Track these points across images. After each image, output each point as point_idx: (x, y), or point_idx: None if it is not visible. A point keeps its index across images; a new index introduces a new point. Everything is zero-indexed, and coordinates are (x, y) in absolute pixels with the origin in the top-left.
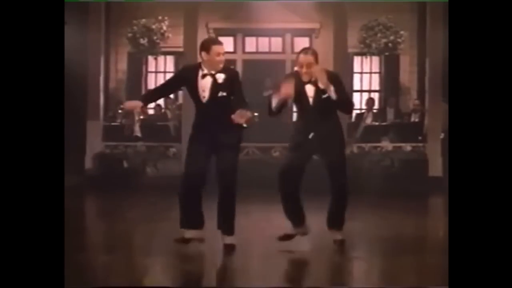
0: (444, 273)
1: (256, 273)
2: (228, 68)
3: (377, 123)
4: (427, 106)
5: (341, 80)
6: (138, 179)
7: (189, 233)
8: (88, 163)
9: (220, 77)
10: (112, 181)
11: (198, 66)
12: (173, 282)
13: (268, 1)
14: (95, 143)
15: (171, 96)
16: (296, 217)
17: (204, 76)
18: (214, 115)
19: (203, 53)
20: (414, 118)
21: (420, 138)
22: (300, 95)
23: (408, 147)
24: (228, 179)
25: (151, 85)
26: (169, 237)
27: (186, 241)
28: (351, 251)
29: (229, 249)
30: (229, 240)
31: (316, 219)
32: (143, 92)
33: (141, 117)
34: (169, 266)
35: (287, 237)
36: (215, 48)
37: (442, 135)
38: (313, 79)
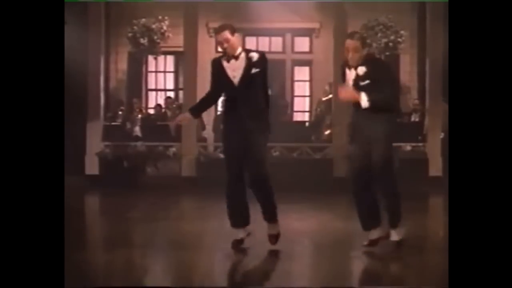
0: (444, 273)
1: (255, 272)
2: (253, 51)
3: None
4: (427, 106)
5: (388, 69)
6: (138, 179)
7: (241, 233)
8: (88, 163)
9: (254, 56)
10: (112, 181)
11: (222, 55)
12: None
13: (268, 1)
14: (95, 143)
15: (171, 96)
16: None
17: (229, 59)
18: (246, 96)
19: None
20: (414, 118)
21: (420, 138)
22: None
23: (408, 146)
24: (261, 166)
25: (151, 85)
26: (169, 237)
27: (240, 241)
28: (350, 250)
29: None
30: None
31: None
32: (143, 91)
33: (140, 116)
34: (169, 266)
35: None
36: (216, 37)
37: (442, 135)
38: (355, 65)
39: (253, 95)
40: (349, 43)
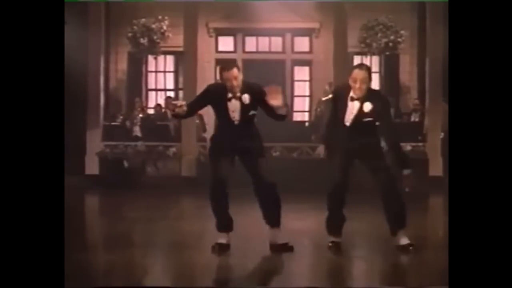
0: (443, 273)
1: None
2: (251, 86)
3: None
4: (427, 105)
5: (389, 107)
6: (138, 178)
7: (223, 237)
8: (88, 163)
9: (246, 99)
10: (112, 181)
11: (223, 88)
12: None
13: (268, 1)
14: (95, 143)
15: (171, 95)
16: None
17: (230, 99)
18: (244, 133)
19: (220, 78)
20: (414, 118)
21: (420, 137)
22: (342, 110)
23: (408, 146)
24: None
25: (151, 85)
26: (169, 236)
27: (223, 247)
28: (351, 251)
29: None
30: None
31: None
32: (143, 91)
33: (140, 115)
34: (169, 266)
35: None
36: (225, 75)
37: (442, 135)
38: (361, 97)
39: (251, 129)
40: (359, 73)
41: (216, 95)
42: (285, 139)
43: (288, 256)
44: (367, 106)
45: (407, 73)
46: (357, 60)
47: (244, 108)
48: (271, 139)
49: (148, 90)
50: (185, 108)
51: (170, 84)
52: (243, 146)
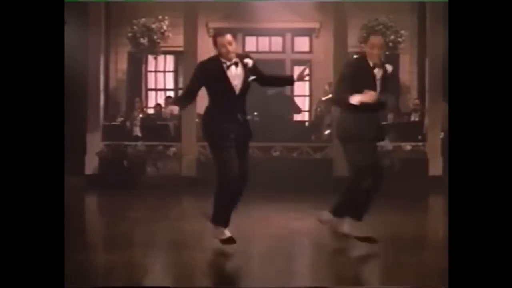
0: (443, 273)
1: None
2: (244, 54)
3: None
4: (427, 105)
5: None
6: (138, 178)
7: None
8: (88, 163)
9: (249, 62)
10: (112, 180)
11: (217, 59)
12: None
13: (268, 1)
14: (95, 142)
15: (171, 95)
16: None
17: (228, 67)
18: (244, 103)
19: (214, 48)
20: (414, 118)
21: (420, 137)
22: (368, 80)
23: (408, 146)
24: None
25: (151, 85)
26: (169, 236)
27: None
28: (350, 250)
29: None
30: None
31: None
32: (143, 91)
33: (140, 115)
34: (169, 266)
35: None
36: (220, 40)
37: (442, 135)
38: (379, 62)
39: (245, 101)
40: (377, 40)
41: (212, 68)
42: (285, 139)
43: (288, 255)
44: (389, 67)
45: (407, 73)
46: None
47: (246, 73)
48: (271, 139)
49: (148, 90)
50: (176, 112)
51: (170, 84)
52: (236, 125)
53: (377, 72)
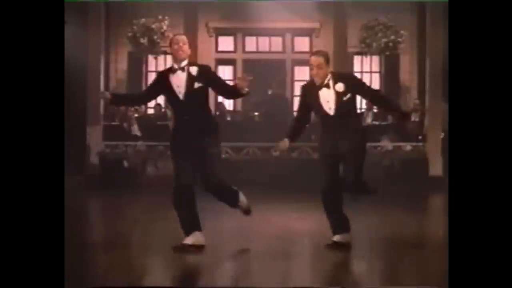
0: (443, 273)
1: (255, 272)
2: (198, 63)
3: (377, 123)
4: (427, 105)
5: (355, 76)
6: (138, 178)
7: (189, 239)
8: (88, 163)
9: (194, 70)
10: (112, 180)
11: (169, 68)
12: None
13: (268, 1)
14: (95, 142)
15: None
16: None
17: (174, 71)
18: (193, 111)
19: (169, 48)
20: (414, 118)
21: (420, 137)
22: (316, 102)
23: (408, 146)
24: (217, 178)
25: None
26: (169, 236)
27: (187, 247)
28: (350, 251)
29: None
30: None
31: None
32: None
33: (136, 115)
34: (169, 266)
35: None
36: (175, 38)
37: (442, 135)
38: (326, 82)
39: (201, 107)
40: (314, 60)
41: (161, 75)
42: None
43: (288, 255)
44: (340, 87)
45: (407, 73)
46: (357, 59)
47: (190, 80)
48: (271, 139)
49: None
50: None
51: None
52: (194, 131)
53: (325, 92)
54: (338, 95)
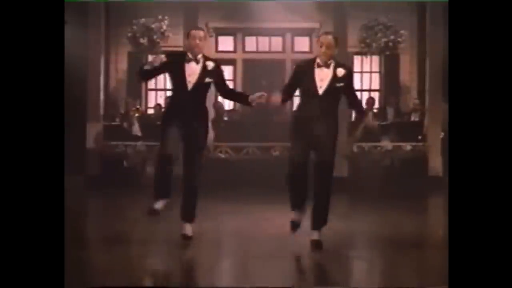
0: (443, 273)
1: (255, 272)
2: (213, 59)
3: (377, 123)
4: (427, 105)
5: (353, 75)
6: (138, 178)
7: (158, 204)
8: (88, 163)
9: (210, 65)
10: (112, 180)
11: (184, 53)
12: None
13: (268, 1)
14: (95, 142)
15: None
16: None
17: (189, 60)
18: (196, 101)
19: (186, 41)
20: (414, 118)
21: (420, 137)
22: (309, 81)
23: (408, 146)
24: (193, 174)
25: (151, 85)
26: (169, 236)
27: (156, 212)
28: (350, 250)
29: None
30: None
31: None
32: (143, 91)
33: (137, 114)
34: (169, 265)
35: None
36: (193, 33)
37: (442, 135)
38: (329, 63)
39: (201, 100)
40: (325, 38)
41: (176, 57)
42: (285, 139)
43: (288, 255)
44: (340, 71)
45: (407, 73)
46: (357, 59)
47: (203, 73)
48: (271, 139)
49: (148, 90)
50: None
51: (170, 84)
52: (189, 119)
53: (323, 71)
54: (334, 78)
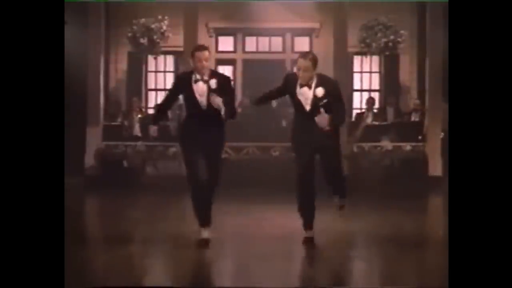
0: (443, 273)
1: (255, 272)
2: (219, 73)
3: (377, 123)
4: (427, 105)
5: (339, 87)
6: (138, 179)
7: (205, 233)
8: (88, 163)
9: (213, 83)
10: (112, 181)
11: (191, 72)
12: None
13: (268, 1)
14: (95, 143)
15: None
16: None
17: (196, 81)
18: (210, 119)
19: (191, 60)
20: (414, 118)
21: (420, 137)
22: (294, 96)
23: (408, 146)
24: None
25: (151, 85)
26: (169, 236)
27: (206, 242)
28: (350, 250)
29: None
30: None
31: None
32: (143, 91)
33: (139, 115)
34: (169, 266)
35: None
36: (197, 55)
37: (442, 135)
38: (310, 83)
39: (217, 116)
40: (301, 62)
41: (184, 79)
42: (285, 139)
43: (288, 255)
44: (319, 91)
45: (407, 73)
46: (357, 59)
47: (209, 92)
48: (271, 139)
49: (148, 90)
50: (155, 134)
51: (170, 84)
52: (207, 135)
53: (305, 90)
54: (316, 98)
